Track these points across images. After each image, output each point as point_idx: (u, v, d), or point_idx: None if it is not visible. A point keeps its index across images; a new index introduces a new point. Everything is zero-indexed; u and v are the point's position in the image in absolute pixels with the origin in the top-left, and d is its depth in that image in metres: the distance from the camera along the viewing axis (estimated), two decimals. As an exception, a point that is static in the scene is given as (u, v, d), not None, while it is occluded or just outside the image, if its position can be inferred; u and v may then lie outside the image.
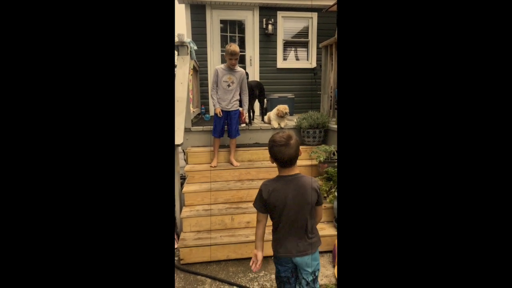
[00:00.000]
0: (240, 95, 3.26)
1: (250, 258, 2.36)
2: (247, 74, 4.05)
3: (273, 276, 2.13)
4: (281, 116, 3.65)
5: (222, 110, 3.15)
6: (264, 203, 1.49)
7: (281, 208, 1.46)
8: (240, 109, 3.37)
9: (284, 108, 3.65)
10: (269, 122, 3.80)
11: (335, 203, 2.63)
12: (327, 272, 2.25)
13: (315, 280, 1.55)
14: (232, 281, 2.18)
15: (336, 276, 2.19)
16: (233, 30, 5.45)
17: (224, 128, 3.22)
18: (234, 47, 3.01)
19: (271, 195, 1.46)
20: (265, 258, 2.10)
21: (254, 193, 2.89)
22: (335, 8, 4.96)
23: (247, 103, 3.35)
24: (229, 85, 3.13)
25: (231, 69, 3.11)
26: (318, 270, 1.56)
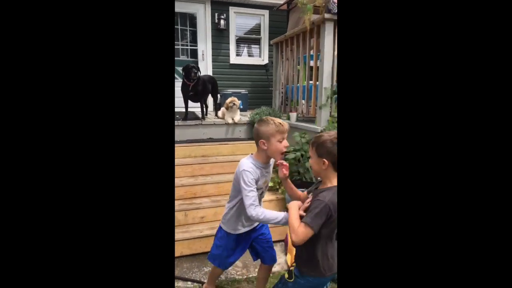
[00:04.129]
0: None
1: (204, 253, 2.39)
2: (198, 69, 3.88)
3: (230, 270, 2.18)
4: (228, 108, 3.65)
5: (236, 234, 1.70)
6: (327, 220, 1.20)
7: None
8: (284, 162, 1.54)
9: (231, 100, 3.65)
10: (223, 117, 3.80)
11: (287, 194, 2.73)
12: (280, 259, 2.29)
13: None
14: (186, 276, 2.17)
15: (288, 263, 2.27)
16: (184, 23, 5.31)
17: (232, 258, 1.75)
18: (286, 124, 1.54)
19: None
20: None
21: (208, 188, 2.97)
22: (285, 7, 5.10)
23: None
24: (262, 193, 1.63)
25: (266, 165, 1.59)
26: None
